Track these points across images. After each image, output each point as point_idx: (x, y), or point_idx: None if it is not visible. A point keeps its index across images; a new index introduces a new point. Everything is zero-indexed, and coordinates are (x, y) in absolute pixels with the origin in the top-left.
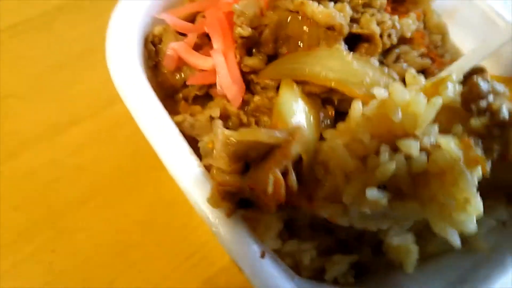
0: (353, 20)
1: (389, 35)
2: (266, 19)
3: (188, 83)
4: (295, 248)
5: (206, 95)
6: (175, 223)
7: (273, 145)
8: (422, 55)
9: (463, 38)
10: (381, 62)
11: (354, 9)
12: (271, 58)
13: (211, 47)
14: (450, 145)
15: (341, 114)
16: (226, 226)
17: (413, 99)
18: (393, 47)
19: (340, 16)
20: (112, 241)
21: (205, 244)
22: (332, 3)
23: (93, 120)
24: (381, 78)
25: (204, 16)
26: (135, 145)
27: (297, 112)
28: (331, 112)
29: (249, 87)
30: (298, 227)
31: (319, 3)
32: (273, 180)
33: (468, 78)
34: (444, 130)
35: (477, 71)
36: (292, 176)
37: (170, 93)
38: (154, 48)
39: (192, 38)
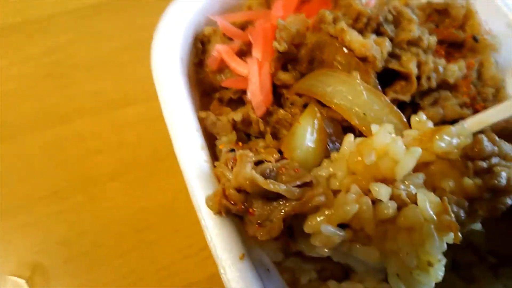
0: (394, 56)
1: (429, 78)
2: (307, 39)
3: (223, 84)
4: (296, 266)
5: (239, 100)
6: (194, 215)
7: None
8: (463, 104)
9: None
10: (417, 104)
11: (398, 45)
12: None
13: None
14: (425, 203)
15: None
16: (215, 222)
17: (391, 145)
18: (432, 90)
19: (376, 49)
20: (133, 218)
21: None
22: (374, 36)
23: (143, 105)
24: (386, 115)
25: (254, 25)
26: None
27: (307, 139)
28: None
29: (279, 100)
30: None
31: (361, 33)
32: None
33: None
34: (433, 182)
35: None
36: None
37: (208, 91)
38: (201, 47)
39: (237, 43)
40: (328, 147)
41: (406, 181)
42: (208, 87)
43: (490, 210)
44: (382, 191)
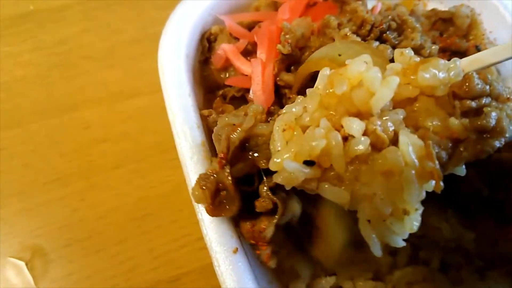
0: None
1: None
2: (311, 42)
3: (226, 83)
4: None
5: (242, 98)
6: (192, 208)
7: None
8: None
9: None
10: None
11: None
12: None
13: None
14: (407, 146)
15: None
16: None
17: (365, 73)
18: None
19: None
20: (133, 206)
21: None
22: (377, 43)
23: (149, 97)
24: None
25: (260, 26)
26: None
27: None
28: None
29: (281, 100)
30: None
31: (365, 40)
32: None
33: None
34: (416, 121)
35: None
36: None
37: (212, 88)
38: (208, 45)
39: (242, 43)
40: None
41: (384, 117)
42: (212, 84)
43: (476, 152)
44: (354, 126)
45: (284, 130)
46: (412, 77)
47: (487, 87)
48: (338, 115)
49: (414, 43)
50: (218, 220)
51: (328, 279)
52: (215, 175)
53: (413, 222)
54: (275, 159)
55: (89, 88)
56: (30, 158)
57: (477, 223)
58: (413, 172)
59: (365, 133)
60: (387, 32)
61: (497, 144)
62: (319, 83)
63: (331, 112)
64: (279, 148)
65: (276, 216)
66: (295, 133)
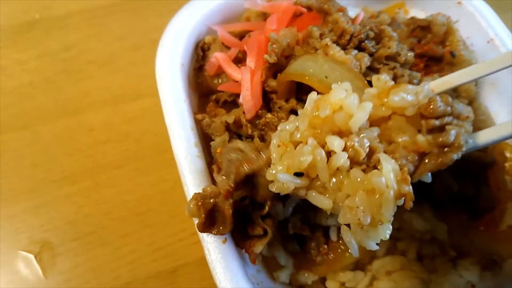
0: (373, 69)
1: None
2: (296, 51)
3: (219, 89)
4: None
5: (233, 102)
6: None
7: None
8: None
9: (499, 107)
10: None
11: (377, 59)
12: None
13: None
14: (389, 174)
15: None
16: None
17: (344, 99)
18: None
19: (355, 63)
20: (136, 202)
21: None
22: (355, 51)
23: (150, 100)
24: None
25: (250, 36)
26: None
27: None
28: None
29: (269, 105)
30: None
31: (344, 49)
32: None
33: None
34: (389, 136)
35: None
36: None
37: (206, 93)
38: (202, 53)
39: (233, 52)
40: None
41: (361, 135)
42: (206, 89)
43: (438, 164)
44: (335, 143)
45: (279, 146)
46: (385, 99)
47: (449, 108)
48: (323, 133)
49: (391, 51)
50: None
51: None
52: (215, 200)
53: (386, 231)
54: (271, 171)
55: (94, 92)
56: (39, 158)
57: (450, 217)
58: (392, 193)
59: (345, 149)
60: (365, 41)
61: (455, 157)
62: (308, 104)
63: (317, 130)
64: (274, 161)
65: (266, 239)
66: (287, 149)
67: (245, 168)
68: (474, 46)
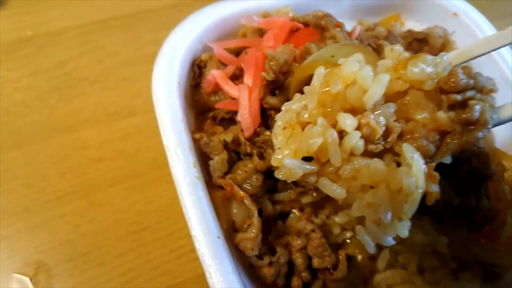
0: None
1: None
2: (294, 68)
3: (216, 106)
4: None
5: (230, 119)
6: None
7: None
8: None
9: None
10: None
11: None
12: None
13: None
14: (421, 173)
15: None
16: (204, 233)
17: (358, 72)
18: None
19: None
20: (131, 221)
21: None
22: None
23: (144, 116)
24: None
25: (246, 53)
26: None
27: None
28: None
29: (267, 122)
30: None
31: None
32: None
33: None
34: (407, 113)
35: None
36: None
37: (203, 111)
38: (198, 71)
39: (230, 69)
40: None
41: (376, 111)
42: (203, 107)
43: (462, 143)
44: (347, 121)
45: (284, 128)
46: (402, 71)
47: (471, 81)
48: (334, 111)
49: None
50: (210, 236)
51: None
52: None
53: (405, 228)
54: (276, 156)
55: (87, 109)
56: (31, 178)
57: (450, 229)
58: (421, 193)
59: (358, 128)
60: None
61: (480, 135)
62: (315, 81)
63: (327, 109)
64: (280, 145)
65: None
66: (294, 130)
67: None
68: None
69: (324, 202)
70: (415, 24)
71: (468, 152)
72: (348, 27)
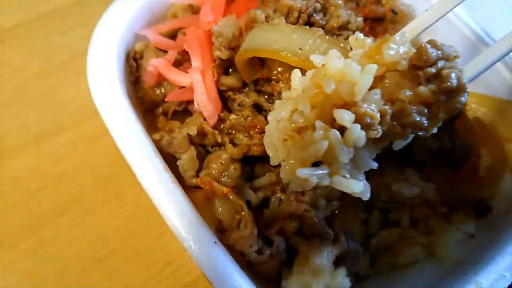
0: None
1: None
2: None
3: (167, 99)
4: None
5: (184, 111)
6: (153, 232)
7: None
8: None
9: None
10: None
11: (330, 32)
12: None
13: (191, 64)
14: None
15: None
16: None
17: (346, 68)
18: None
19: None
20: (92, 249)
21: (183, 253)
22: (307, 26)
23: (75, 129)
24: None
25: (185, 33)
26: (114, 155)
27: None
28: None
29: (226, 105)
30: None
31: None
32: None
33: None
34: (390, 95)
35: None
36: None
37: (150, 108)
38: (135, 64)
39: (172, 55)
40: None
41: (365, 100)
42: (149, 104)
43: (449, 111)
44: (346, 117)
45: (285, 140)
46: (377, 57)
47: (439, 52)
48: (327, 110)
49: (342, 20)
50: (205, 244)
51: None
52: None
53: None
54: (286, 167)
55: (8, 136)
56: None
57: (433, 174)
58: None
59: (356, 121)
60: (314, 15)
61: (463, 99)
62: (296, 85)
63: (320, 110)
64: (283, 159)
65: None
66: (293, 139)
67: None
68: (404, 0)
69: None
70: None
71: None
72: None
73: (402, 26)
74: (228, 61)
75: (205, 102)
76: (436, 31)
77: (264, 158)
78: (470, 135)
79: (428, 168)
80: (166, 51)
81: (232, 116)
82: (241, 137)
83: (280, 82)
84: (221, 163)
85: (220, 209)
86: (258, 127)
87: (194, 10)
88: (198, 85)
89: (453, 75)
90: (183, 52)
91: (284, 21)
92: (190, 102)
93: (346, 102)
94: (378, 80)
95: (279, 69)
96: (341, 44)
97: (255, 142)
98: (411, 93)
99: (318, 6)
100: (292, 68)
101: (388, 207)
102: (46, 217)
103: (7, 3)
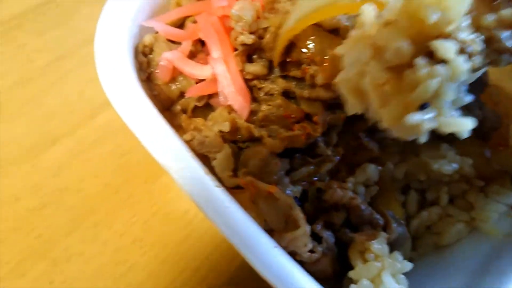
0: None
1: None
2: (264, 23)
3: (187, 95)
4: None
5: (206, 106)
6: (175, 237)
7: None
8: None
9: None
10: None
11: None
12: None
13: (206, 54)
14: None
15: None
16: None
17: None
18: None
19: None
20: (112, 264)
21: (210, 256)
22: None
23: (69, 138)
24: None
25: (195, 21)
26: (119, 159)
27: None
28: None
29: (253, 95)
30: None
31: None
32: None
33: None
34: (473, 23)
35: None
36: None
37: (167, 106)
38: (145, 59)
39: (186, 46)
40: None
41: (457, 29)
42: (166, 102)
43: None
44: (451, 47)
45: (382, 84)
46: None
47: None
48: (420, 43)
49: None
50: (266, 251)
51: None
52: None
53: None
54: (389, 115)
55: None
56: None
57: (466, 148)
58: None
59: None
60: None
61: None
62: (370, 20)
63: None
64: (376, 106)
65: None
66: (389, 85)
67: None
68: None
69: (338, 165)
70: None
71: None
72: None
73: None
74: (252, 47)
75: (232, 94)
76: None
77: (303, 149)
78: (497, 106)
79: (461, 141)
80: (176, 43)
81: (264, 106)
82: (275, 128)
83: (313, 64)
84: (260, 159)
85: (266, 209)
86: (293, 116)
87: None
88: (223, 76)
89: None
90: (195, 43)
91: None
92: (212, 96)
93: (439, 33)
94: None
95: (312, 50)
96: None
97: (295, 133)
98: (493, 18)
99: None
100: (329, 42)
101: (424, 186)
102: (54, 237)
103: None
